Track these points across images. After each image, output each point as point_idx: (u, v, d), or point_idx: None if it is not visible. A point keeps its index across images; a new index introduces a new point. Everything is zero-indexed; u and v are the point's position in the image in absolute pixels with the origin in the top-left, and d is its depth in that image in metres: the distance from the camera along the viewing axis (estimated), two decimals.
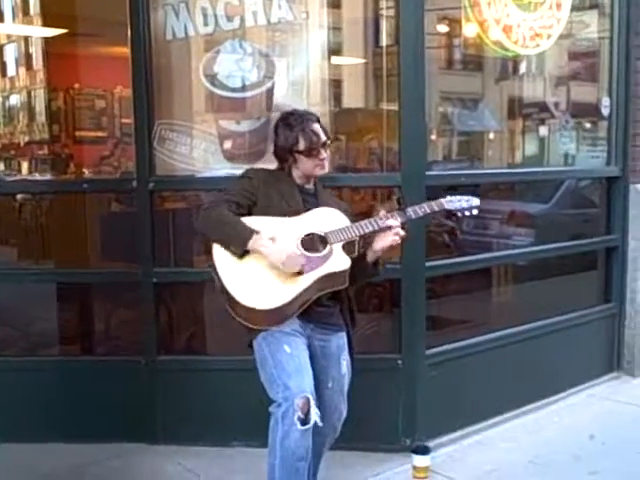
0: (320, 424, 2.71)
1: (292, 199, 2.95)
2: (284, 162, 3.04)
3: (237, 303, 2.76)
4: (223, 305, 2.87)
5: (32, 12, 5.68)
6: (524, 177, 5.13)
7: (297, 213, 2.91)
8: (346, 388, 3.07)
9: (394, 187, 3.96)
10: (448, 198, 3.00)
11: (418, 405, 3.89)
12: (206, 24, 3.85)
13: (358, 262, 2.93)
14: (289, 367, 2.73)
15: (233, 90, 3.89)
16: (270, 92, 3.93)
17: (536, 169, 5.32)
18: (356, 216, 3.13)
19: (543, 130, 5.83)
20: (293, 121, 3.02)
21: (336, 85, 5.13)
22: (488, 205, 5.98)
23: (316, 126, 3.02)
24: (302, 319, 2.87)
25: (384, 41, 4.52)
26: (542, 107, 5.81)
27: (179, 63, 4.01)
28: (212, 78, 3.90)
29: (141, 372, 3.93)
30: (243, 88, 3.88)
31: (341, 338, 3.02)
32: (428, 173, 3.97)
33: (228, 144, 3.94)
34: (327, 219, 2.92)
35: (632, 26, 4.87)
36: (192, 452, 3.83)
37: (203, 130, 3.96)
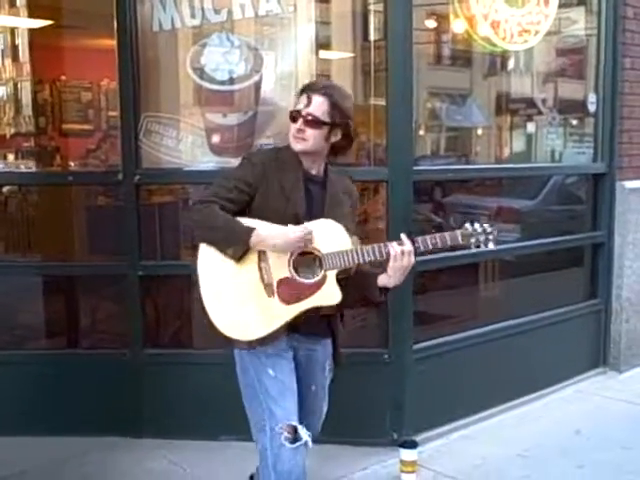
0: (310, 445, 2.61)
1: (295, 196, 2.62)
2: None
3: (215, 328, 2.57)
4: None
5: (18, 3, 5.62)
6: (511, 173, 5.14)
7: (295, 214, 2.59)
8: (327, 389, 2.94)
9: (382, 181, 3.96)
10: (465, 230, 2.60)
11: (406, 399, 3.89)
12: (193, 16, 3.83)
13: (364, 280, 2.69)
14: (273, 391, 2.60)
15: (220, 83, 3.87)
16: (258, 85, 3.92)
17: (523, 165, 5.33)
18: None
19: (530, 126, 5.85)
20: (317, 84, 2.80)
21: (324, 79, 5.12)
22: (475, 201, 6.01)
23: (314, 96, 2.62)
24: (288, 330, 2.63)
25: (372, 36, 4.51)
26: (529, 103, 5.82)
27: (166, 55, 4.00)
28: (199, 71, 3.89)
29: (127, 365, 3.92)
30: (231, 81, 3.87)
31: (327, 345, 2.83)
32: (416, 168, 3.98)
33: (215, 137, 3.93)
34: (329, 236, 2.58)
35: (619, 23, 4.89)
36: (178, 446, 3.82)
37: (190, 123, 3.94)
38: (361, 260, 2.55)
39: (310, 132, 2.62)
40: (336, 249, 2.56)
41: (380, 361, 3.88)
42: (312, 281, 2.56)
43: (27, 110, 6.01)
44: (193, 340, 4.23)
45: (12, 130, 6.04)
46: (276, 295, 2.56)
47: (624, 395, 4.70)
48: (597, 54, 4.98)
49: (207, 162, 3.89)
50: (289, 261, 2.56)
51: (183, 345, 4.29)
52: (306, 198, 2.66)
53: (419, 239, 2.57)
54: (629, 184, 5.02)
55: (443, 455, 3.85)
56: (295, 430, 2.55)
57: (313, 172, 2.71)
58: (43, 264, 4.46)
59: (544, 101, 5.65)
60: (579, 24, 5.30)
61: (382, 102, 3.93)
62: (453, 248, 2.85)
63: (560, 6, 4.70)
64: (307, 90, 2.67)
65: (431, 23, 5.50)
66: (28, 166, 5.52)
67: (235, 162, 2.82)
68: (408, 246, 2.55)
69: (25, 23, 5.63)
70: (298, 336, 2.69)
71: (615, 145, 4.98)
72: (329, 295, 2.57)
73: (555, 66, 5.56)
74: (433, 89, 6.15)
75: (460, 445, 3.97)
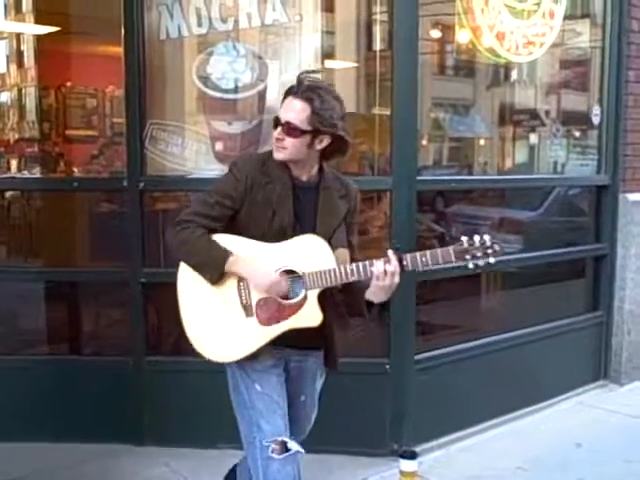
0: (302, 452, 2.57)
1: (281, 208, 2.50)
2: None
3: (193, 348, 2.57)
4: None
5: (24, 9, 5.64)
6: (514, 184, 5.15)
7: (281, 227, 2.49)
8: (317, 397, 2.89)
9: (385, 191, 3.96)
10: (460, 246, 2.38)
11: (406, 410, 3.89)
12: (200, 25, 3.85)
13: (351, 293, 2.56)
14: (260, 406, 2.55)
15: (226, 91, 3.89)
16: (262, 94, 3.93)
17: (526, 176, 5.34)
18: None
19: (533, 137, 5.85)
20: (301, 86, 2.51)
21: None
22: (477, 211, 6.00)
23: (294, 101, 2.45)
24: (277, 344, 2.55)
25: (377, 46, 4.52)
26: (533, 114, 5.83)
27: (172, 63, 4.01)
28: (205, 79, 3.90)
29: (128, 372, 3.92)
30: (236, 90, 3.88)
31: (319, 356, 2.72)
32: (419, 178, 3.98)
33: (220, 145, 3.93)
34: (312, 254, 2.46)
35: (623, 36, 4.91)
36: (179, 453, 3.82)
37: (195, 131, 3.95)
38: (344, 280, 2.43)
39: (289, 141, 2.46)
40: (319, 268, 2.44)
41: (381, 371, 3.87)
42: (292, 302, 2.47)
43: (31, 116, 6.02)
44: (195, 348, 4.22)
45: (16, 135, 6.06)
46: (255, 316, 2.49)
47: (625, 408, 4.69)
48: (602, 66, 5.00)
49: (211, 170, 3.89)
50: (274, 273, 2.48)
51: (185, 353, 4.24)
52: (295, 208, 2.53)
53: (408, 257, 2.39)
54: (632, 196, 5.03)
55: (443, 466, 3.84)
56: (284, 444, 2.51)
57: (303, 178, 2.57)
58: (46, 270, 4.46)
59: (548, 112, 5.66)
60: (584, 36, 5.31)
61: (386, 112, 3.94)
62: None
63: (565, 18, 4.72)
64: (289, 93, 2.49)
65: (436, 33, 5.51)
66: (32, 172, 5.53)
67: None
68: (393, 266, 2.38)
69: (31, 29, 5.65)
70: (289, 350, 2.62)
71: (619, 157, 4.99)
72: (309, 316, 2.47)
73: (559, 78, 5.56)
74: (437, 99, 6.16)
75: (460, 457, 3.96)
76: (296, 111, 2.44)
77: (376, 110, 4.44)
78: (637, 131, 5.06)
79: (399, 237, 3.81)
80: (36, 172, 5.54)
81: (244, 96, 3.94)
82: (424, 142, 5.56)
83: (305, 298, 2.46)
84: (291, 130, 2.44)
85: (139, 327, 3.93)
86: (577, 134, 5.58)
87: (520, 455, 3.96)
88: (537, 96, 5.77)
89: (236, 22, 3.82)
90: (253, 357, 2.53)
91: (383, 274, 2.38)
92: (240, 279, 2.49)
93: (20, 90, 6.81)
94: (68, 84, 5.39)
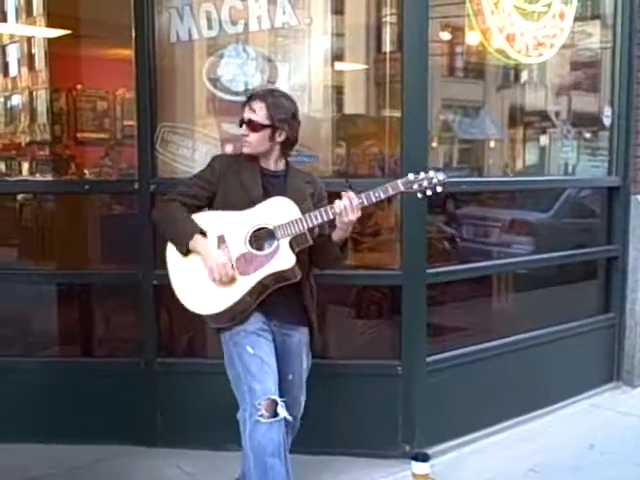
0: (290, 419, 2.79)
1: (252, 187, 2.90)
2: None
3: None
4: None
5: (35, 12, 5.67)
6: (525, 186, 5.14)
7: (251, 200, 2.88)
8: (305, 379, 3.09)
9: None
10: (407, 178, 2.77)
11: (418, 412, 3.88)
12: (210, 28, 3.86)
13: (322, 245, 2.91)
14: (252, 368, 2.77)
15: (236, 94, 3.89)
16: None
17: (537, 178, 5.33)
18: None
19: (544, 139, 5.84)
20: (257, 92, 3.03)
21: (338, 91, 5.13)
22: (488, 213, 6.00)
23: (253, 103, 2.91)
24: (265, 315, 2.91)
25: (387, 48, 4.52)
26: (543, 116, 5.82)
27: (183, 66, 4.02)
28: (215, 81, 3.91)
29: (140, 374, 3.92)
30: (246, 92, 3.88)
31: (303, 334, 3.03)
32: None
33: (230, 147, 3.94)
34: (279, 211, 2.84)
35: (634, 37, 4.89)
36: (191, 455, 3.82)
37: (205, 133, 3.97)
38: (310, 223, 2.79)
39: (252, 136, 2.90)
40: (287, 220, 2.80)
41: (392, 373, 3.87)
42: (267, 252, 2.82)
43: (43, 118, 6.05)
44: (207, 349, 4.24)
45: (28, 138, 6.09)
46: (235, 269, 2.80)
47: (638, 410, 4.67)
48: (612, 67, 4.97)
49: None
50: (245, 238, 2.83)
51: (197, 354, 4.29)
52: (264, 186, 2.92)
53: (362, 195, 2.76)
54: None
55: (455, 469, 3.83)
56: (274, 405, 2.70)
57: (271, 168, 2.98)
58: (58, 272, 4.47)
59: (558, 114, 5.65)
60: (594, 37, 5.30)
61: (396, 114, 3.94)
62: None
63: (575, 20, 4.70)
64: (248, 100, 2.95)
65: (446, 35, 5.51)
66: (44, 174, 5.56)
67: None
68: (351, 200, 2.74)
69: (42, 32, 5.68)
70: (275, 322, 2.94)
71: (630, 158, 4.96)
72: (283, 260, 2.80)
73: (570, 79, 5.55)
74: (447, 101, 6.15)
75: (472, 459, 3.95)
76: (255, 110, 2.90)
77: (386, 112, 4.45)
78: None
79: (410, 239, 3.81)
80: (47, 175, 5.57)
81: None
82: (434, 144, 5.56)
83: (277, 247, 2.80)
84: (253, 126, 2.89)
85: (151, 329, 3.94)
86: (588, 135, 5.57)
87: (532, 457, 3.94)
88: (547, 97, 5.76)
89: (246, 25, 3.83)
90: (239, 312, 2.83)
91: (345, 209, 2.74)
92: (219, 241, 2.84)
93: (31, 93, 6.85)
94: (79, 87, 5.40)
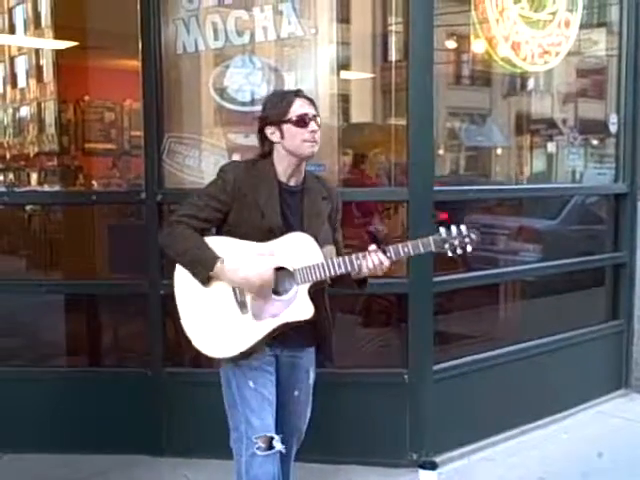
0: (283, 451, 2.69)
1: (268, 207, 2.61)
2: (269, 144, 2.68)
3: (191, 343, 2.66)
4: None
5: (43, 24, 5.72)
6: (532, 193, 5.14)
7: (270, 228, 2.60)
8: (311, 393, 2.96)
9: (402, 202, 3.97)
10: (439, 235, 2.59)
11: (425, 420, 3.87)
12: (216, 39, 3.88)
13: (340, 278, 2.67)
14: (253, 403, 2.66)
15: (242, 104, 3.91)
16: None
17: (544, 185, 5.33)
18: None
19: (551, 146, 5.84)
20: (284, 92, 2.88)
21: (344, 100, 5.15)
22: (496, 220, 5.99)
23: (303, 99, 2.67)
24: (274, 345, 2.70)
25: (393, 56, 4.53)
26: (550, 123, 5.82)
27: (189, 77, 4.04)
28: (222, 92, 3.93)
29: (148, 383, 3.93)
30: (252, 102, 3.90)
31: (311, 353, 2.86)
32: (435, 188, 3.96)
33: (237, 157, 3.95)
34: (300, 250, 2.60)
35: None
36: (198, 464, 3.82)
37: (212, 143, 3.98)
38: (332, 273, 2.57)
39: (319, 133, 2.65)
40: (308, 263, 2.57)
41: (400, 382, 3.86)
42: (284, 298, 2.60)
43: (51, 129, 6.10)
44: (213, 359, 4.25)
45: (36, 149, 6.13)
46: (250, 312, 2.60)
47: None
48: (618, 75, 4.97)
49: None
50: None
51: (203, 364, 4.29)
52: (282, 210, 2.64)
53: (391, 249, 2.58)
54: None
55: (463, 477, 3.83)
56: (271, 439, 2.63)
57: (292, 183, 2.70)
58: (65, 282, 4.50)
59: (565, 121, 5.66)
60: (600, 45, 5.31)
61: (402, 122, 3.95)
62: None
63: (581, 27, 4.71)
64: (302, 94, 2.69)
65: (452, 44, 5.54)
66: (51, 185, 5.59)
67: None
68: (385, 262, 2.57)
69: (50, 44, 5.72)
70: (282, 347, 2.73)
71: (637, 165, 4.96)
72: (301, 310, 2.60)
73: (576, 87, 5.56)
74: (453, 109, 6.18)
75: (480, 467, 3.94)
76: (312, 105, 2.66)
77: (392, 120, 4.45)
78: None
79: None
80: (55, 185, 5.61)
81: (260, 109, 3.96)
82: (441, 152, 5.57)
83: (296, 293, 2.58)
84: (318, 122, 2.64)
85: (158, 338, 3.95)
86: (594, 142, 5.57)
87: (541, 465, 3.93)
88: (554, 105, 5.77)
89: (252, 35, 3.85)
90: (249, 355, 2.63)
91: (373, 269, 2.57)
92: None
93: (39, 104, 6.90)
94: (86, 98, 5.45)
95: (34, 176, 6.14)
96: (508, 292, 5.29)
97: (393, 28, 4.70)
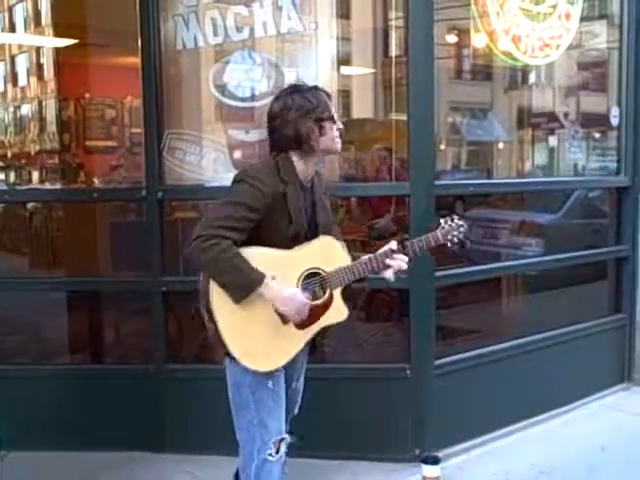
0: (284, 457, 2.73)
1: (296, 213, 2.62)
2: (305, 142, 2.62)
3: (234, 358, 2.60)
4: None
5: (44, 23, 5.72)
6: (533, 187, 5.12)
7: (297, 234, 2.62)
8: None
9: (404, 196, 3.97)
10: (442, 228, 2.71)
11: (427, 415, 3.87)
12: (216, 34, 3.87)
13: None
14: (270, 404, 2.66)
15: (242, 100, 3.90)
16: None
17: (545, 179, 5.33)
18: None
19: (552, 140, 5.84)
20: (309, 87, 2.72)
21: (345, 95, 5.15)
22: (497, 215, 5.99)
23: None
24: None
25: (393, 51, 4.53)
26: (551, 117, 5.82)
27: (189, 73, 4.04)
28: (222, 88, 3.92)
29: (150, 380, 3.94)
30: (252, 98, 3.89)
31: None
32: (437, 182, 3.96)
33: (237, 154, 3.95)
34: (328, 254, 2.66)
35: None
36: (201, 461, 3.83)
37: (212, 140, 3.97)
38: (361, 274, 2.65)
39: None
40: (337, 265, 2.63)
41: (402, 377, 3.86)
42: (321, 301, 2.63)
43: (52, 127, 6.10)
44: (215, 355, 4.25)
45: (37, 147, 6.14)
46: (290, 323, 2.61)
47: None
48: (619, 67, 4.95)
49: (229, 178, 3.88)
50: (297, 285, 2.60)
51: (205, 360, 4.30)
52: (306, 211, 2.68)
53: (408, 245, 2.68)
54: None
55: (466, 471, 3.83)
56: (280, 442, 2.68)
57: (307, 181, 2.71)
58: (67, 280, 4.50)
59: (566, 115, 5.65)
60: (601, 37, 5.29)
61: (403, 117, 3.93)
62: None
63: (582, 20, 4.69)
64: (327, 96, 2.73)
65: (452, 38, 5.52)
66: (53, 183, 5.60)
67: None
68: (404, 264, 2.67)
69: (50, 42, 5.72)
70: None
71: (638, 158, 4.94)
72: (338, 313, 2.67)
73: (577, 80, 5.55)
74: (454, 103, 6.17)
75: (483, 461, 3.94)
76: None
77: (393, 115, 4.44)
78: None
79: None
80: (57, 183, 5.61)
81: (261, 104, 3.94)
82: (442, 146, 5.57)
83: (331, 297, 2.64)
84: None
85: (160, 335, 3.95)
86: (596, 136, 5.56)
87: (543, 459, 3.93)
88: (555, 98, 5.76)
89: (252, 31, 3.84)
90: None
91: (399, 266, 2.67)
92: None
93: (40, 102, 6.91)
94: (87, 95, 5.45)
95: (35, 174, 6.14)
96: (510, 286, 5.29)
97: (393, 23, 4.69)
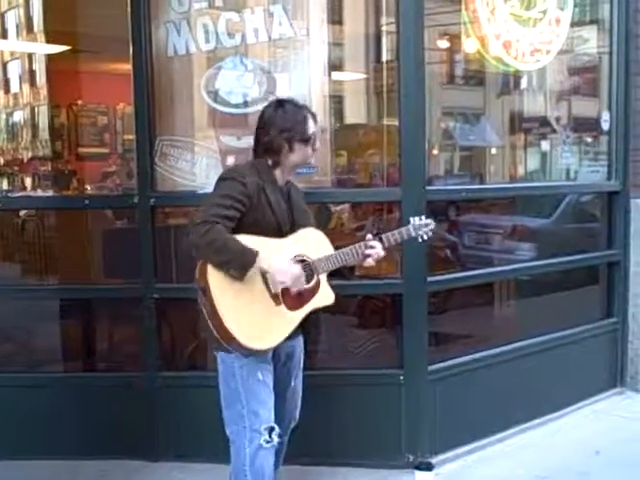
0: (276, 445, 2.86)
1: (278, 206, 2.85)
2: (275, 154, 2.86)
3: (233, 338, 2.68)
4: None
5: (36, 29, 5.71)
6: (525, 192, 5.13)
7: (278, 224, 2.84)
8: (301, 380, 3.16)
9: (395, 202, 3.97)
10: (413, 223, 3.03)
11: (421, 421, 3.87)
12: (207, 41, 3.87)
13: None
14: (261, 395, 2.81)
15: (234, 106, 3.90)
16: None
17: (537, 184, 5.33)
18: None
19: (544, 145, 5.85)
20: (295, 105, 2.93)
21: (337, 101, 5.15)
22: (490, 220, 6.00)
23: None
24: None
25: (385, 57, 4.53)
26: (543, 122, 5.82)
27: (180, 79, 4.03)
28: (213, 94, 3.92)
29: (142, 388, 3.92)
30: (244, 104, 3.89)
31: (301, 340, 3.09)
32: (429, 188, 3.96)
33: (229, 160, 3.95)
34: (314, 243, 2.91)
35: (631, 41, 4.88)
36: (194, 469, 3.82)
37: (204, 146, 3.97)
38: (344, 262, 2.90)
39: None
40: (322, 254, 2.88)
41: (395, 382, 3.86)
42: (310, 285, 2.84)
43: (44, 134, 6.09)
44: (208, 363, 4.24)
45: (29, 154, 6.12)
46: (283, 304, 2.78)
47: None
48: (610, 72, 4.97)
49: None
50: None
51: (198, 368, 4.29)
52: (286, 210, 2.91)
53: (384, 237, 2.97)
54: None
55: (459, 477, 3.82)
56: (271, 432, 2.79)
57: (283, 185, 2.95)
58: (59, 287, 4.48)
59: (558, 119, 5.66)
60: (591, 42, 5.31)
61: (395, 122, 3.94)
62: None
63: (572, 25, 4.71)
64: (310, 111, 2.99)
65: (443, 43, 5.53)
66: (45, 190, 5.59)
67: None
68: (380, 250, 2.94)
69: (42, 49, 5.71)
70: (287, 341, 2.88)
71: (629, 163, 4.95)
72: (325, 296, 2.91)
73: (568, 85, 5.56)
74: (446, 109, 6.17)
75: (477, 467, 3.94)
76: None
77: (385, 121, 4.45)
78: None
79: (410, 247, 3.80)
80: (49, 190, 5.60)
81: (253, 110, 3.94)
82: (434, 152, 5.57)
83: (318, 282, 2.86)
84: None
85: (152, 343, 3.94)
86: (587, 140, 5.57)
87: (538, 464, 3.93)
88: (547, 103, 5.77)
89: (243, 37, 3.84)
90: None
91: (377, 257, 2.95)
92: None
93: (33, 109, 6.89)
94: (79, 102, 5.44)
95: (28, 181, 6.13)
96: (503, 291, 5.29)
97: (385, 28, 4.70)
